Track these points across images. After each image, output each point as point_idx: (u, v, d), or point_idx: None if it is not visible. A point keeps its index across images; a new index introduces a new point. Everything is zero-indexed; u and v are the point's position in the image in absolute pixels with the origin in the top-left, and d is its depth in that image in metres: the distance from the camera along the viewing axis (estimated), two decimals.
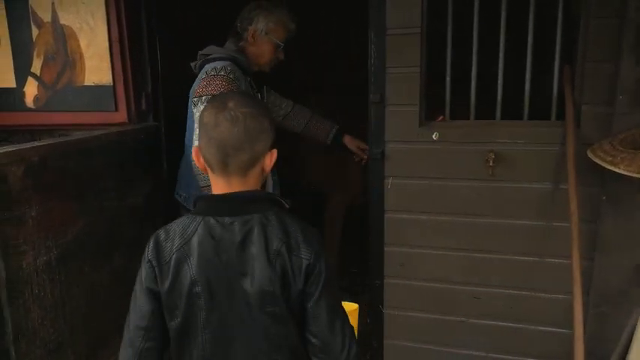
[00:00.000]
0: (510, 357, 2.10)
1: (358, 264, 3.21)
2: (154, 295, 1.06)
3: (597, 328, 1.93)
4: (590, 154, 1.72)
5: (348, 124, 2.46)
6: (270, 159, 1.10)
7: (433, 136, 2.01)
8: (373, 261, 2.19)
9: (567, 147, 1.80)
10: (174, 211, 2.16)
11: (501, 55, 1.96)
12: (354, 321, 1.51)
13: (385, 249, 2.16)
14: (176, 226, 1.08)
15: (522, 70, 1.97)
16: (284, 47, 2.17)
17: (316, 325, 1.07)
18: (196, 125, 1.80)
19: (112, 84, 2.31)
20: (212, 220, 1.04)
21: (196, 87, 1.96)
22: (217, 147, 1.04)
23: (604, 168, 1.66)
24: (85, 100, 2.36)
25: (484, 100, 2.06)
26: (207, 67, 1.96)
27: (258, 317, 1.05)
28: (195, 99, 1.93)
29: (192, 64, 2.09)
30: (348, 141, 2.44)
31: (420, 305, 2.18)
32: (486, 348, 2.13)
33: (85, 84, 2.35)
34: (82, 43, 2.31)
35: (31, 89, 2.43)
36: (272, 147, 1.11)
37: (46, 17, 2.34)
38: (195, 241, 1.04)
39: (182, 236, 1.05)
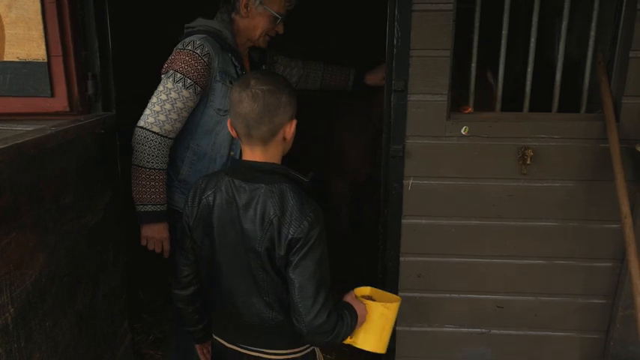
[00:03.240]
0: None
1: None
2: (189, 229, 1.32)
3: (625, 331, 1.86)
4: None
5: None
6: (290, 128, 1.25)
7: (462, 131, 1.77)
8: (387, 272, 1.92)
9: (610, 143, 1.67)
10: (135, 228, 1.68)
11: (533, 42, 1.77)
12: (392, 314, 1.38)
13: (401, 259, 1.90)
14: (213, 178, 1.29)
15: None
16: (283, 20, 1.82)
17: (291, 289, 1.19)
18: (156, 100, 1.66)
19: (45, 60, 1.71)
20: (231, 181, 1.24)
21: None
22: (242, 121, 1.21)
23: None
24: (5, 82, 1.74)
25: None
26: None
27: (247, 263, 1.23)
28: (162, 74, 1.73)
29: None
30: (372, 78, 2.16)
31: (437, 319, 1.96)
32: (509, 358, 1.98)
33: (5, 60, 1.72)
34: (0, 4, 1.68)
35: None
36: (293, 117, 1.25)
37: None
38: (218, 193, 1.25)
39: (212, 187, 1.27)
